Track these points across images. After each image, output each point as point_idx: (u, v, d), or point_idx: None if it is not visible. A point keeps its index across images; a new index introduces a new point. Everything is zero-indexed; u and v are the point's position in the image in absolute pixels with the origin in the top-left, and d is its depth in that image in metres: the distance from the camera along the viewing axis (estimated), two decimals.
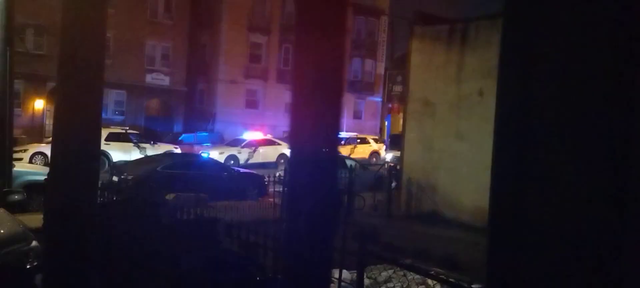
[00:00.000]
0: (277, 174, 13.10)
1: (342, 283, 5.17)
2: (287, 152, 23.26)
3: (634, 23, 1.49)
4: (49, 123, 28.78)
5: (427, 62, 15.25)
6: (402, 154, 16.27)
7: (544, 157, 1.58)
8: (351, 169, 15.09)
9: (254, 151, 27.08)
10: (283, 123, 33.07)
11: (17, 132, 20.37)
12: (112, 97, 32.67)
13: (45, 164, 18.27)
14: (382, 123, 43.48)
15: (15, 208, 7.84)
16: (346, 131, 33.97)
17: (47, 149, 19.57)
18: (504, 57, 1.73)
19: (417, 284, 5.91)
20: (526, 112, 1.61)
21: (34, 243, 6.24)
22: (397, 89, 39.68)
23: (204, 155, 22.68)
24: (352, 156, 26.15)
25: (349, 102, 39.33)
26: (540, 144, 1.59)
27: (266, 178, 14.91)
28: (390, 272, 6.45)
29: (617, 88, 1.50)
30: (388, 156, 29.41)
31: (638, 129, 1.49)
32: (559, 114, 1.55)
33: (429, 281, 5.98)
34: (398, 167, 16.47)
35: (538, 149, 1.59)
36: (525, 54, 1.63)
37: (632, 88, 1.49)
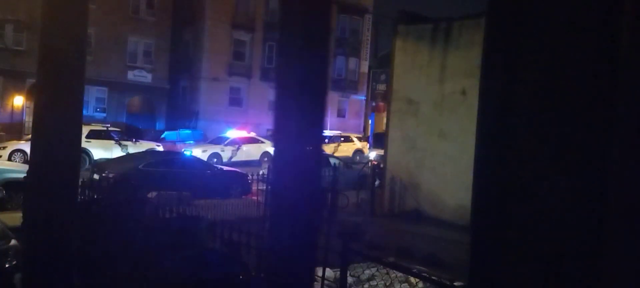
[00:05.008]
0: (261, 172, 13.04)
1: (326, 282, 5.18)
2: (271, 150, 23.21)
3: (615, 24, 1.51)
4: (28, 120, 28.36)
5: (410, 61, 15.31)
6: (385, 153, 16.32)
7: (525, 157, 1.59)
8: (335, 168, 15.09)
9: (238, 149, 26.98)
10: (266, 121, 32.98)
11: None
12: (93, 94, 32.27)
13: (25, 162, 18.00)
14: (366, 121, 43.55)
15: None
16: (330, 129, 33.99)
17: (26, 147, 19.29)
18: (487, 57, 1.73)
19: (400, 282, 5.94)
20: (508, 112, 1.62)
21: (13, 242, 6.15)
22: (381, 87, 39.77)
23: (187, 153, 22.52)
24: (335, 154, 26.17)
25: (332, 100, 39.34)
26: (522, 144, 1.60)
27: (250, 177, 14.85)
28: (374, 270, 6.48)
29: (599, 89, 1.52)
30: (372, 154, 29.48)
31: (619, 129, 1.51)
32: (541, 115, 1.57)
33: (412, 279, 6.02)
34: (381, 166, 16.52)
35: (520, 149, 1.60)
36: (508, 55, 1.64)
37: (613, 88, 1.51)
